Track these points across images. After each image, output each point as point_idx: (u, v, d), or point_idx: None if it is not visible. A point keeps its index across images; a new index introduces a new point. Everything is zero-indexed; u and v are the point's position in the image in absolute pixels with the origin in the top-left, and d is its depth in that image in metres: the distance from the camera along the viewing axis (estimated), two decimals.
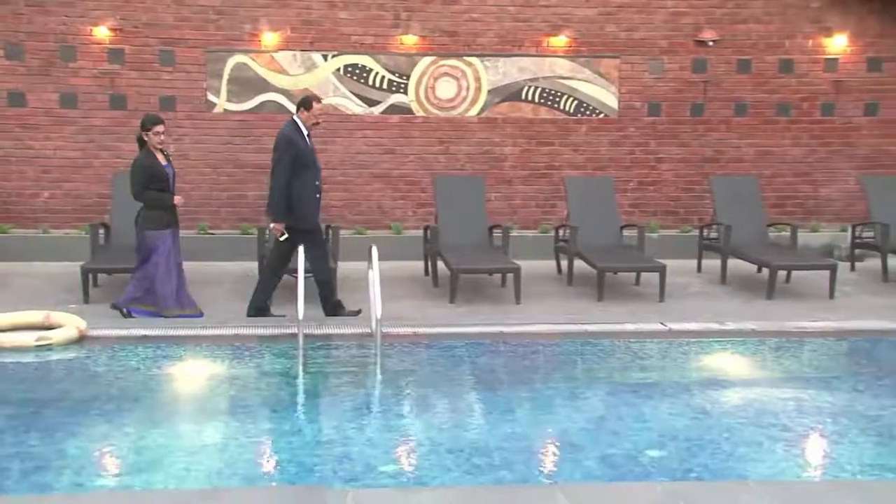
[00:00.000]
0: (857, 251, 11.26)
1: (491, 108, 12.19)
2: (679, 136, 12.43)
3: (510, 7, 12.01)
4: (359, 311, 8.53)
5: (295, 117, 8.65)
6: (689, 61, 12.32)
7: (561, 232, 10.84)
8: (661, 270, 9.59)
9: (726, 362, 7.64)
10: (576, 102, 12.24)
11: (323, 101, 11.79)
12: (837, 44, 12.38)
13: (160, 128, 8.27)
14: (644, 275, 10.26)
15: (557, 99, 12.22)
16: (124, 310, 8.36)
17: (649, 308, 9.20)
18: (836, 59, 12.45)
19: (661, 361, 7.42)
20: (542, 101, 12.21)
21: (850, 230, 11.41)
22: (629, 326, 8.06)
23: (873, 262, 11.03)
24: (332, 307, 8.62)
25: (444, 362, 7.30)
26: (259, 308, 8.55)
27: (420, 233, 11.01)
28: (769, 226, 11.21)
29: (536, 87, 12.19)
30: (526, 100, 12.21)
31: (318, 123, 8.76)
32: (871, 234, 11.06)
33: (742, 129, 12.49)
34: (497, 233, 10.54)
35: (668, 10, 12.21)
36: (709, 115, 12.42)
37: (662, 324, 8.09)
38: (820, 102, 12.54)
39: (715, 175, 11.89)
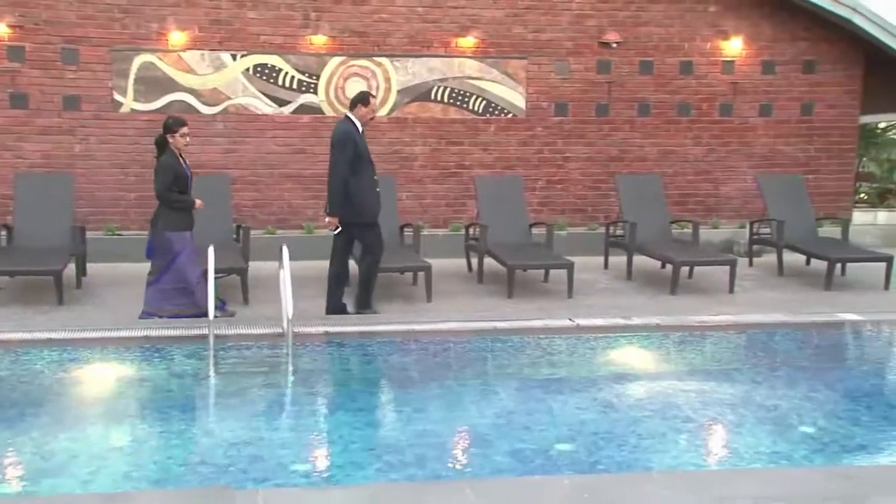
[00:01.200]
0: (754, 247, 11.56)
1: (401, 108, 12.18)
2: (585, 135, 12.60)
3: (419, 8, 12.02)
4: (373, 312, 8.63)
5: (349, 114, 8.62)
6: (593, 62, 12.50)
7: (471, 230, 10.88)
8: (569, 267, 9.69)
9: (632, 356, 7.76)
10: (484, 102, 12.31)
11: (233, 100, 11.72)
12: (734, 47, 12.70)
13: (186, 129, 8.26)
14: (553, 272, 10.36)
15: (466, 99, 12.27)
16: (161, 316, 8.09)
17: (558, 304, 9.29)
18: (732, 62, 12.77)
19: (570, 357, 7.51)
20: (452, 101, 12.25)
21: (748, 227, 11.70)
22: (538, 323, 8.13)
23: (770, 258, 11.34)
24: (361, 304, 8.64)
25: (355, 361, 7.27)
26: (338, 309, 8.58)
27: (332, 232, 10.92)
28: (672, 223, 11.43)
29: (446, 88, 12.22)
30: (435, 100, 12.23)
31: (373, 118, 9.06)
32: (767, 230, 11.36)
33: (645, 128, 12.73)
34: (408, 232, 10.53)
35: (573, 12, 12.37)
36: (613, 115, 12.62)
37: (571, 320, 8.18)
38: (718, 103, 12.84)
39: (620, 174, 12.09)
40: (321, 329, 7.75)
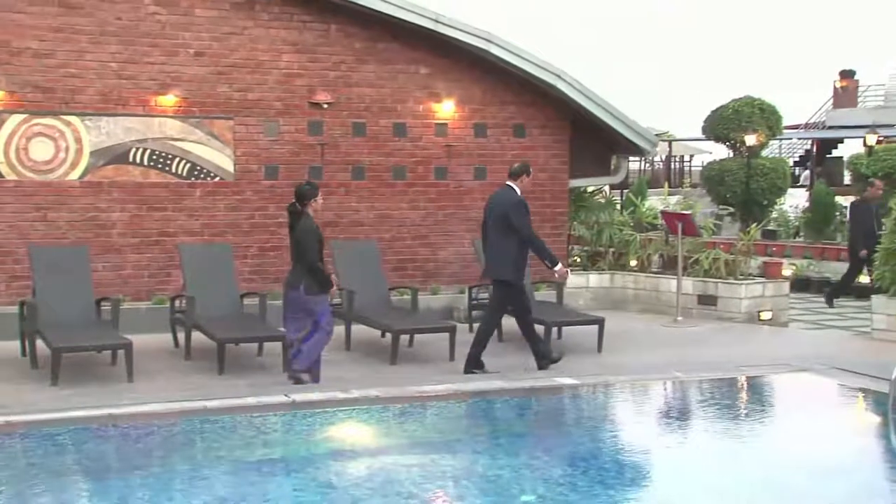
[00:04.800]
0: (474, 312, 12.01)
1: (94, 171, 11.73)
2: None
3: (112, 63, 11.70)
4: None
5: (511, 184, 9.74)
6: (304, 123, 12.65)
7: (177, 302, 10.63)
8: (284, 339, 9.66)
9: (352, 432, 7.82)
10: (189, 165, 12.11)
11: None
12: (446, 109, 13.28)
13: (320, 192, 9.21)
14: (267, 345, 10.28)
15: (169, 161, 12.02)
16: (304, 378, 8.85)
17: (272, 379, 9.23)
18: (445, 125, 13.34)
19: (286, 435, 7.47)
20: (153, 163, 11.96)
21: (467, 292, 12.16)
22: (251, 400, 8.00)
23: None
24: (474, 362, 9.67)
25: (42, 452, 6.84)
26: (547, 356, 9.74)
27: (15, 309, 10.32)
28: (391, 289, 11.68)
29: (145, 149, 11.93)
30: (134, 162, 11.89)
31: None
32: (486, 295, 11.83)
33: (361, 192, 12.98)
34: (105, 305, 10.14)
35: (281, 71, 12.49)
36: (327, 179, 12.76)
37: (286, 395, 8.12)
38: (434, 166, 13.34)
39: (336, 239, 12.22)
40: (1, 419, 7.25)
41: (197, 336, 10.09)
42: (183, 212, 12.15)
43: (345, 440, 7.59)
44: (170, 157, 12.03)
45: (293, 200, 9.15)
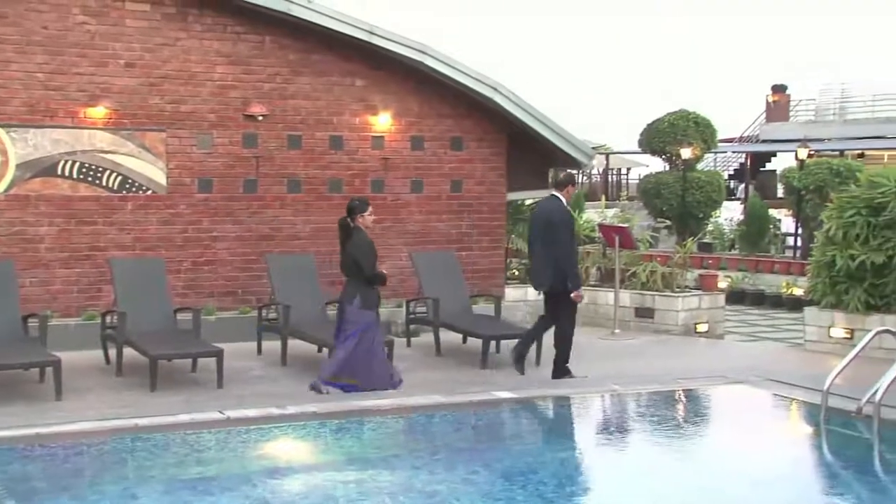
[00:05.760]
0: (412, 326, 12.02)
1: (21, 185, 11.52)
2: (233, 213, 12.57)
3: (38, 74, 11.51)
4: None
5: (557, 193, 10.04)
6: (239, 136, 12.55)
7: (108, 318, 10.49)
8: (219, 355, 9.58)
9: (288, 448, 7.77)
10: (120, 178, 11.94)
11: None
12: (382, 122, 13.27)
13: (371, 208, 9.40)
14: (201, 360, 10.17)
15: (99, 174, 11.85)
16: (323, 389, 9.08)
17: (207, 396, 9.15)
18: (382, 137, 13.32)
19: (220, 453, 7.38)
20: (82, 176, 11.78)
21: (404, 306, 12.15)
22: (185, 417, 7.92)
23: (428, 337, 11.82)
24: (561, 371, 9.93)
25: None
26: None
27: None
28: (328, 304, 11.61)
29: (74, 162, 11.74)
30: (63, 175, 11.70)
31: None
32: (423, 309, 11.86)
33: (297, 205, 12.91)
34: (33, 322, 9.95)
35: (215, 82, 12.38)
36: (262, 192, 12.69)
37: (220, 412, 8.04)
38: (371, 179, 13.31)
39: (271, 253, 12.16)
40: None
41: (129, 352, 9.96)
42: (114, 226, 11.98)
43: (281, 457, 7.54)
44: (100, 169, 11.86)
45: (344, 215, 9.41)
